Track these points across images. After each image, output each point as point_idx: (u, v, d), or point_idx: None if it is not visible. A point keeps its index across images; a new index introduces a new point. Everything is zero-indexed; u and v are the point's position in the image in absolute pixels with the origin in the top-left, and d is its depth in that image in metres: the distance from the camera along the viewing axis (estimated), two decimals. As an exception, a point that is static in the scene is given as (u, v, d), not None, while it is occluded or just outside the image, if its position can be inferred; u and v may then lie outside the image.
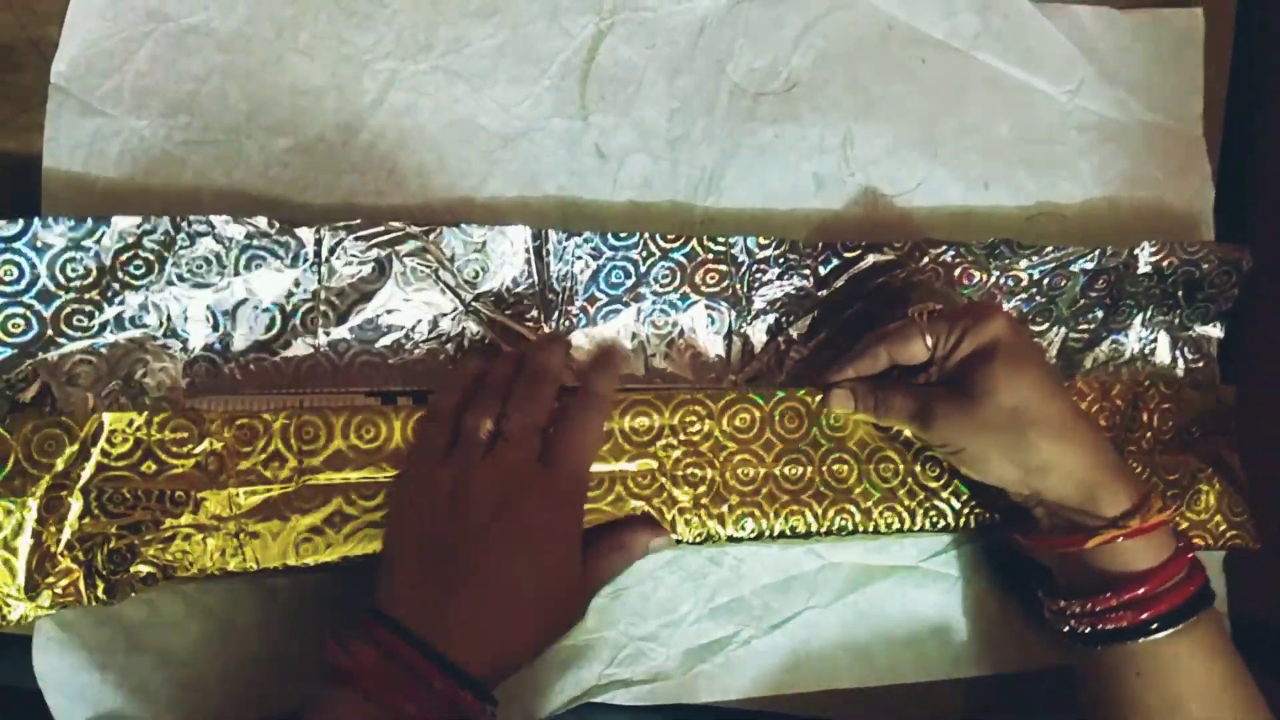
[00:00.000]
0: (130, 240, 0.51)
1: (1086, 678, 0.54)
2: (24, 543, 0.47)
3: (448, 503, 0.48)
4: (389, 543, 0.50)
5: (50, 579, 0.47)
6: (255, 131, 0.59)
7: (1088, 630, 0.52)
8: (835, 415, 0.57)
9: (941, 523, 0.58)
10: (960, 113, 0.65)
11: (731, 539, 0.55)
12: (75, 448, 0.48)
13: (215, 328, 0.53)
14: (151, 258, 0.52)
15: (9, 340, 0.50)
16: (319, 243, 0.54)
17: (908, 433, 0.57)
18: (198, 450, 0.49)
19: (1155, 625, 0.50)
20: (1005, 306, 0.61)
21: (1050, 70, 0.66)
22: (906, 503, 0.58)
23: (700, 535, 0.55)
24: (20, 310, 0.50)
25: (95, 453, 0.48)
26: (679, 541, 0.55)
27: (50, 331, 0.51)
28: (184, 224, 0.52)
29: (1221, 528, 0.60)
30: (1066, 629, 0.54)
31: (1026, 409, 0.51)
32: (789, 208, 0.63)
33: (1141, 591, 0.50)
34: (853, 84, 0.64)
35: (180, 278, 0.52)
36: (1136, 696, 0.51)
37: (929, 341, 0.54)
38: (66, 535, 0.47)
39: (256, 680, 0.56)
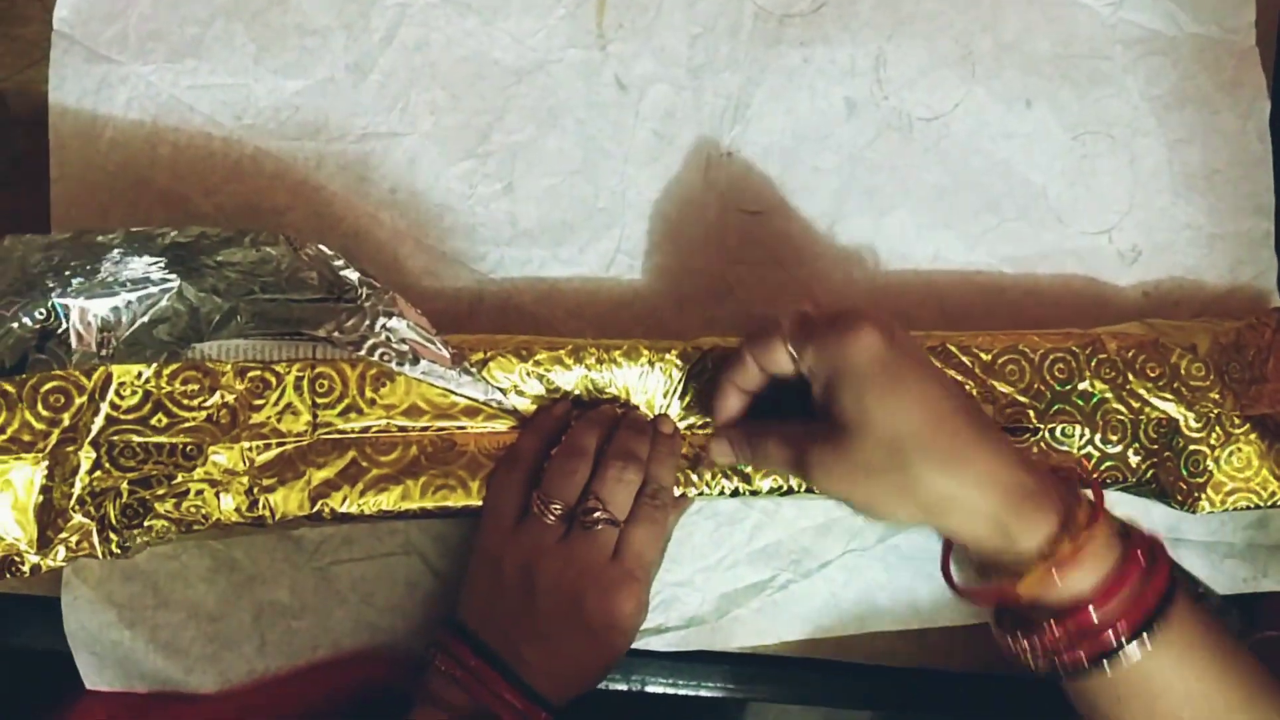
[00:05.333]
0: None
1: (1071, 702, 0.48)
2: (34, 498, 0.46)
3: (518, 580, 0.49)
4: (475, 561, 0.51)
5: (63, 534, 0.46)
6: (264, 75, 0.57)
7: (1046, 666, 0.46)
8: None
9: None
10: (997, 29, 0.61)
11: (754, 494, 0.53)
12: (84, 400, 0.47)
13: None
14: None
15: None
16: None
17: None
18: (209, 403, 0.48)
19: (1115, 649, 0.44)
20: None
21: (1092, -19, 0.62)
22: None
23: (728, 490, 0.53)
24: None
25: (104, 406, 0.47)
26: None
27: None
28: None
29: (1271, 488, 0.55)
30: (1028, 664, 0.47)
31: (907, 439, 0.43)
32: (820, 135, 0.60)
33: (1091, 618, 0.44)
34: (884, 1, 0.61)
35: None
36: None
37: (791, 351, 0.46)
38: (77, 490, 0.47)
39: (286, 633, 0.56)
